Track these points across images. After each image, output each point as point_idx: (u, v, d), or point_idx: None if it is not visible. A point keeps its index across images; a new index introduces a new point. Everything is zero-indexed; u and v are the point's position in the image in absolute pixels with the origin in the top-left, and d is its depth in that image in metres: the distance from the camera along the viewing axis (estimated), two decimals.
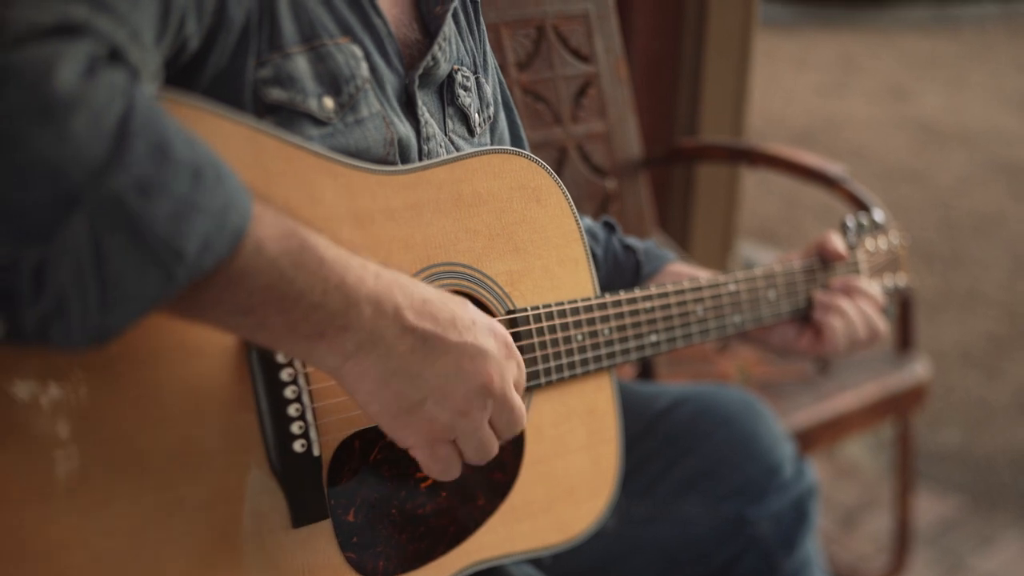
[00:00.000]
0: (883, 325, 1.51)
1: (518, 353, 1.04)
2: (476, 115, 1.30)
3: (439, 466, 1.01)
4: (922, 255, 4.70)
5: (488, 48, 1.41)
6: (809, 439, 2.00)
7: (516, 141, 1.47)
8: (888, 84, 7.94)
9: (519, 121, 1.49)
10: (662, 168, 2.59)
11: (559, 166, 2.25)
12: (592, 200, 2.30)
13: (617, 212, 2.33)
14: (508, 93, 1.47)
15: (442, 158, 1.13)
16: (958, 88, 7.94)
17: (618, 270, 1.51)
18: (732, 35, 2.63)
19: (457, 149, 1.25)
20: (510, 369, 1.02)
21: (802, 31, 9.55)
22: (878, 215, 1.64)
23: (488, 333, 1.00)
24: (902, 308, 2.20)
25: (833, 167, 2.19)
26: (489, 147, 1.21)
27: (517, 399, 1.02)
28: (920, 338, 2.23)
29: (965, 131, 6.69)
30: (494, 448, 1.03)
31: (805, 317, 1.52)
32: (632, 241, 1.55)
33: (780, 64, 8.13)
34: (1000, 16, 10.88)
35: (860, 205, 2.10)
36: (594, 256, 1.49)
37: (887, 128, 6.76)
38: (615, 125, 2.30)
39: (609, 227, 1.56)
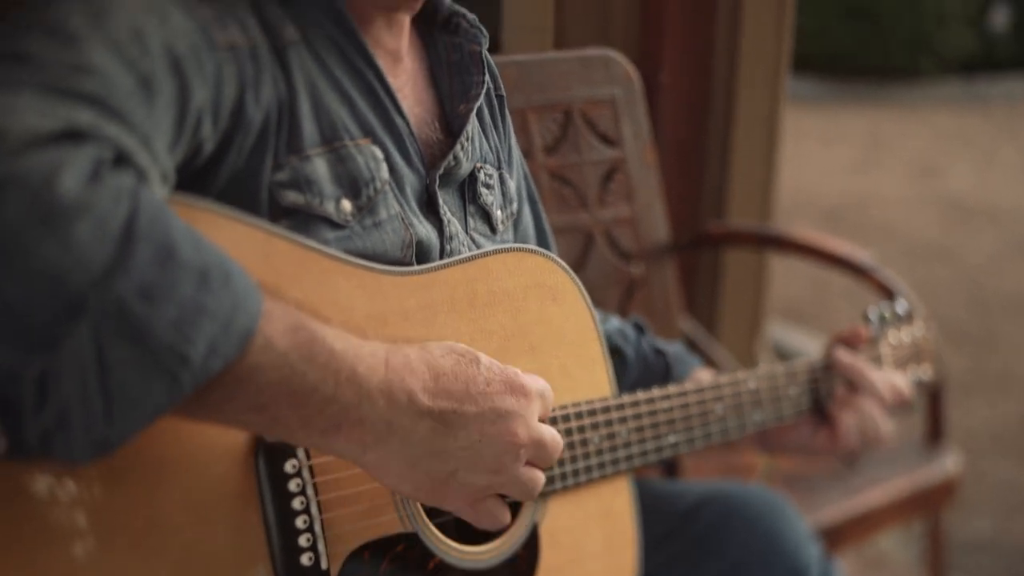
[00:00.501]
0: (885, 427, 1.48)
1: (535, 383, 1.03)
2: (499, 212, 1.29)
3: (488, 520, 1.01)
4: (953, 335, 4.64)
5: (513, 142, 1.40)
6: (838, 536, 1.95)
7: (540, 235, 1.45)
8: (917, 161, 7.92)
9: (543, 214, 1.47)
10: (689, 252, 2.56)
11: (585, 252, 2.23)
12: (618, 286, 2.28)
13: (644, 298, 2.30)
14: (533, 186, 1.46)
15: (456, 257, 1.11)
16: (987, 165, 7.91)
17: (648, 373, 1.49)
18: (760, 117, 2.62)
19: (478, 247, 1.23)
20: (533, 413, 1.01)
21: (830, 107, 9.56)
22: (902, 306, 1.61)
23: (504, 390, 0.99)
24: (932, 398, 2.16)
25: (862, 255, 2.16)
26: (504, 245, 1.20)
27: (547, 432, 1.02)
28: (950, 423, 2.19)
29: (995, 208, 6.65)
30: (540, 482, 1.03)
31: (821, 412, 1.49)
32: (662, 344, 1.53)
33: (808, 140, 8.12)
34: None
35: (889, 293, 2.07)
36: (624, 357, 1.47)
37: (916, 205, 6.73)
38: (642, 210, 2.29)
39: (639, 329, 1.54)
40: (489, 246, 1.22)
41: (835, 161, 7.81)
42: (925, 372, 1.62)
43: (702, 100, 2.57)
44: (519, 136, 2.15)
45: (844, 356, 1.50)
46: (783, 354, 3.37)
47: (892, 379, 1.50)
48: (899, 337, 1.58)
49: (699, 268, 2.60)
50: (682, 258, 2.48)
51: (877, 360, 1.55)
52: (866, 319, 1.55)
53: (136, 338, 0.77)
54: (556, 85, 2.17)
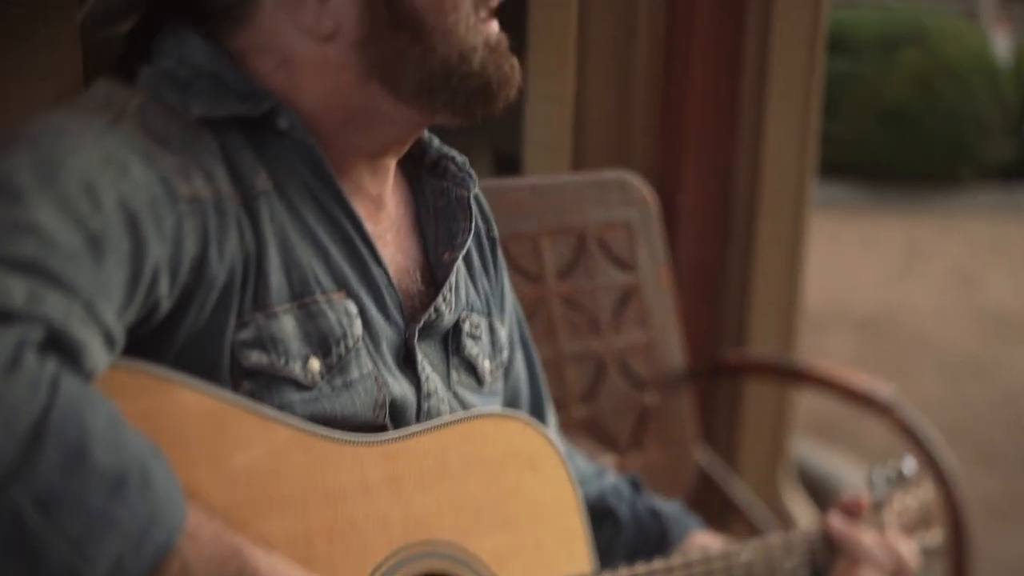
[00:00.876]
0: None
1: None
2: (486, 363, 1.23)
3: None
4: (987, 456, 4.51)
5: (507, 285, 1.34)
6: None
7: (533, 383, 1.39)
8: (954, 270, 7.83)
9: (535, 357, 1.40)
10: (707, 380, 2.49)
11: (597, 380, 2.16)
12: (632, 415, 2.21)
13: (658, 428, 2.23)
14: (526, 330, 1.39)
15: (429, 423, 1.05)
16: None
17: (642, 536, 1.41)
18: (783, 241, 2.58)
19: (463, 401, 1.17)
20: None
21: (868, 213, 9.50)
22: (908, 466, 1.52)
23: None
24: (956, 570, 2.04)
25: (883, 391, 2.08)
26: (482, 410, 1.14)
27: None
28: (980, 551, 2.07)
29: None
30: None
31: None
32: (659, 504, 1.45)
33: (845, 247, 8.06)
34: None
35: (909, 433, 1.99)
36: (617, 518, 1.39)
37: (953, 316, 6.62)
38: (657, 336, 2.22)
39: (635, 487, 1.46)
40: (466, 412, 1.15)
41: (871, 269, 7.73)
42: (934, 538, 1.52)
43: (722, 222, 2.52)
44: (532, 261, 2.11)
45: (839, 525, 1.41)
46: (810, 479, 3.26)
47: (895, 547, 1.40)
48: (905, 501, 1.49)
49: (717, 396, 2.53)
50: (699, 386, 2.41)
51: (881, 527, 1.46)
52: (870, 483, 1.47)
53: (28, 553, 0.71)
54: (570, 208, 2.13)
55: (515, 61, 1.13)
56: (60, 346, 0.78)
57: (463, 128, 1.15)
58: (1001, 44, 10.99)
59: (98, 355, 0.81)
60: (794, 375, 2.23)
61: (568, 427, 1.89)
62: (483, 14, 1.10)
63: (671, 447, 2.24)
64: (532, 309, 2.06)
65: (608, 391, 2.18)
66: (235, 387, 0.97)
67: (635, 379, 2.21)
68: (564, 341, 2.13)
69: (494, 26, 1.12)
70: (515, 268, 2.03)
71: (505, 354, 1.28)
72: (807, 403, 4.24)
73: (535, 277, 2.09)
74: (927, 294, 7.15)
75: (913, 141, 10.16)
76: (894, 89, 10.03)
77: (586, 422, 2.16)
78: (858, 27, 10.00)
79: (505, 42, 1.12)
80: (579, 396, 2.16)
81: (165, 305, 0.91)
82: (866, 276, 7.49)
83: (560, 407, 1.67)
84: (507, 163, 2.32)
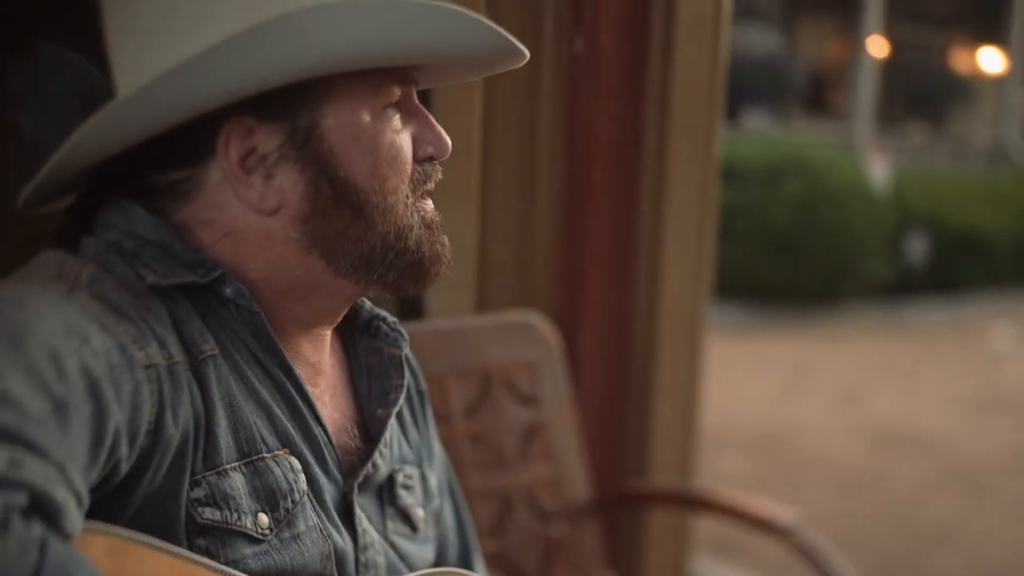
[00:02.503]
0: None
1: None
2: (419, 511, 1.29)
3: None
4: (881, 567, 4.62)
5: (433, 435, 1.41)
6: None
7: (460, 530, 1.45)
8: (842, 387, 8.05)
9: (462, 504, 1.47)
10: (611, 510, 2.56)
11: (505, 515, 2.21)
12: (538, 548, 2.26)
13: (566, 559, 2.28)
14: (454, 478, 1.46)
15: None
16: (910, 391, 8.05)
17: None
18: (680, 372, 2.67)
19: (398, 550, 1.23)
20: None
21: (755, 333, 9.74)
22: None
23: None
24: None
25: (783, 516, 2.17)
26: (427, 571, 1.19)
27: None
28: None
29: (919, 435, 6.74)
30: None
31: None
32: None
33: (736, 368, 8.23)
34: (946, 319, 11.17)
35: (811, 557, 2.07)
36: None
37: (843, 433, 6.80)
38: (562, 469, 2.29)
39: None
40: (412, 546, 1.21)
41: (762, 388, 7.90)
42: None
43: (622, 356, 2.61)
44: (439, 402, 2.17)
45: None
46: None
47: None
48: None
49: (621, 523, 2.59)
50: (605, 515, 2.47)
51: None
52: None
53: None
54: (476, 350, 2.21)
55: (446, 239, 1.19)
56: (42, 510, 0.81)
57: None
58: (877, 170, 11.46)
59: (75, 517, 0.85)
60: (697, 504, 2.30)
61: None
62: (420, 193, 1.16)
63: (579, 575, 2.29)
64: None
65: (516, 525, 2.24)
66: (190, 544, 1.01)
67: (542, 512, 2.27)
68: (471, 477, 2.19)
69: (429, 204, 1.18)
70: None
71: (437, 501, 1.34)
72: (705, 522, 4.32)
73: (443, 417, 2.15)
74: (816, 411, 7.33)
75: (797, 264, 10.49)
76: (778, 215, 10.39)
77: (495, 557, 2.20)
78: (744, 158, 10.37)
79: (438, 221, 1.19)
80: (487, 531, 2.20)
81: (124, 467, 0.95)
82: (757, 395, 7.66)
83: None
84: (410, 305, 2.37)
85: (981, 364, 9.10)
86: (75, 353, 0.91)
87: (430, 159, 1.17)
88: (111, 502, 0.96)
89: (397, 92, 1.14)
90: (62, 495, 0.84)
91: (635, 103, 2.55)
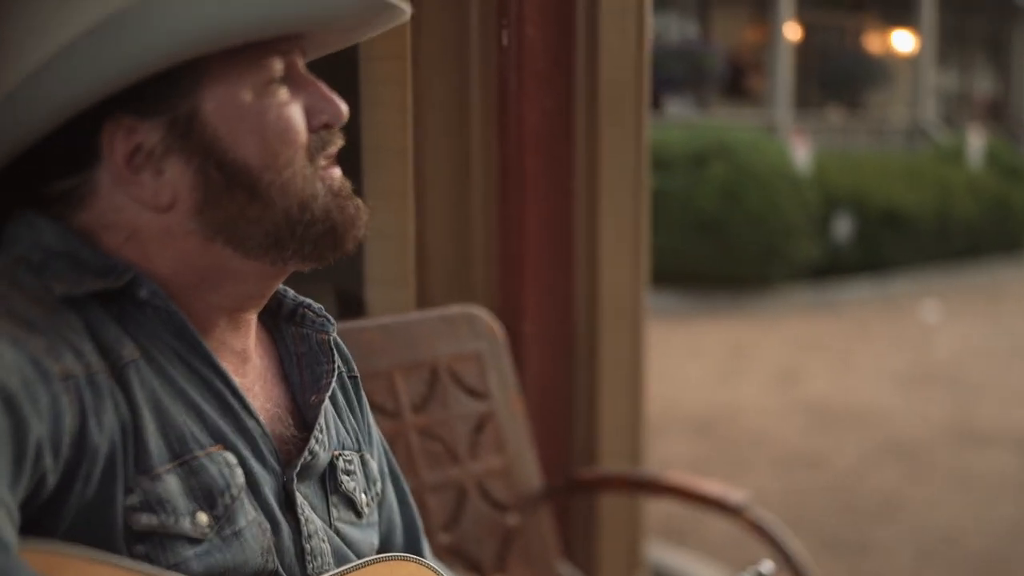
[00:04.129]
0: None
1: None
2: (362, 496, 1.28)
3: None
4: (826, 542, 4.69)
5: (371, 420, 1.40)
6: None
7: (405, 510, 1.44)
8: (777, 368, 8.16)
9: (405, 487, 1.46)
10: (564, 497, 2.57)
11: (460, 506, 2.22)
12: (495, 538, 2.27)
13: (521, 548, 2.29)
14: (394, 461, 1.45)
15: (330, 573, 1.09)
16: (844, 369, 8.19)
17: None
18: (623, 359, 2.70)
19: (344, 536, 1.22)
20: None
21: (692, 320, 9.84)
22: (766, 568, 1.61)
23: None
24: None
25: (734, 495, 2.20)
26: (375, 556, 1.18)
27: None
28: None
29: (856, 412, 6.85)
30: None
31: None
32: None
33: (674, 354, 8.31)
34: (875, 297, 11.37)
35: (763, 533, 2.10)
36: None
37: (781, 412, 6.90)
38: (514, 460, 2.30)
39: None
40: (362, 560, 1.20)
41: (700, 372, 7.99)
42: None
43: (566, 344, 2.63)
44: (387, 397, 2.17)
45: None
46: None
47: None
48: None
49: (574, 512, 2.61)
50: (557, 503, 2.49)
51: None
52: None
53: None
54: (421, 344, 2.21)
55: (359, 202, 1.17)
56: None
57: (303, 274, 1.19)
58: (799, 153, 11.63)
59: (8, 531, 0.84)
60: (649, 487, 2.33)
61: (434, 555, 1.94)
62: (321, 163, 1.15)
63: (534, 566, 2.30)
64: (391, 443, 2.07)
65: (470, 516, 2.24)
66: (129, 552, 0.99)
67: (495, 502, 2.28)
68: (424, 471, 2.19)
69: (335, 172, 1.17)
70: (372, 405, 2.06)
71: (379, 485, 1.34)
72: (653, 506, 4.36)
73: (392, 413, 2.15)
74: (754, 393, 7.43)
75: (726, 248, 10.62)
76: (704, 200, 10.50)
77: (450, 548, 2.21)
78: (669, 145, 10.47)
79: (348, 186, 1.17)
80: (442, 524, 2.21)
81: (51, 479, 0.93)
82: (695, 380, 7.74)
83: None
84: (350, 304, 2.36)
85: (911, 340, 9.27)
86: None
87: (326, 126, 1.16)
88: (43, 518, 0.94)
89: (279, 65, 1.13)
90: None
91: (564, 93, 2.57)
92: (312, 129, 1.15)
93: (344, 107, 1.17)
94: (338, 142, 1.18)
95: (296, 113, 1.14)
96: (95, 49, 1.02)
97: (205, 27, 1.04)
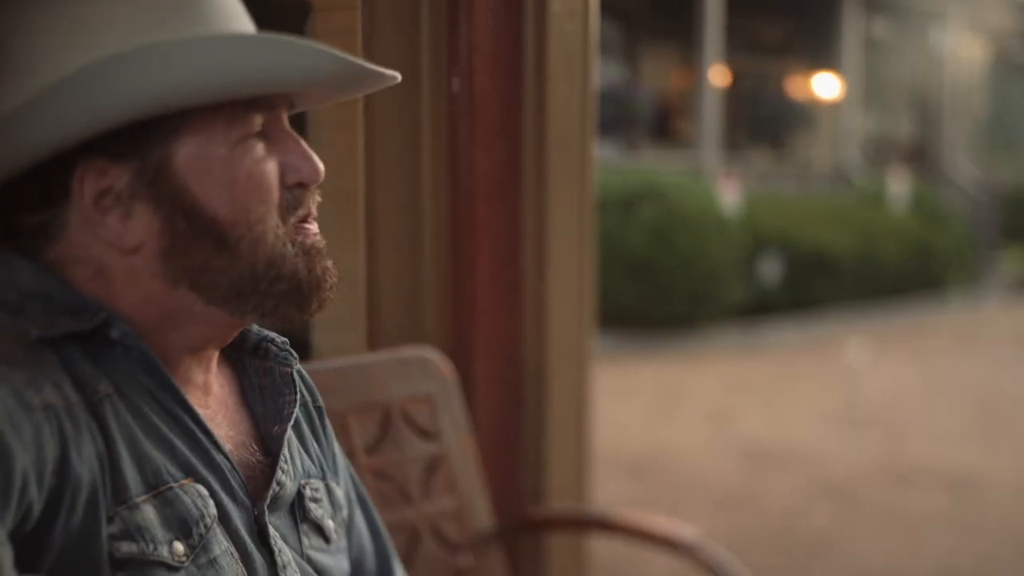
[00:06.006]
0: None
1: None
2: (330, 522, 1.31)
3: None
4: None
5: (336, 448, 1.43)
6: None
7: (375, 536, 1.48)
8: (709, 409, 8.24)
9: (375, 513, 1.49)
10: (514, 537, 2.59)
11: (412, 548, 2.23)
12: None
13: None
14: (362, 488, 1.49)
15: None
16: (775, 410, 8.29)
17: None
18: (570, 402, 2.73)
19: (315, 564, 1.25)
20: None
21: (620, 360, 9.89)
22: None
23: None
24: None
25: (686, 533, 2.23)
26: None
27: None
28: None
29: (788, 452, 6.94)
30: None
31: None
32: None
33: (604, 394, 8.35)
34: (802, 338, 11.53)
35: (715, 571, 2.13)
36: None
37: (714, 454, 6.97)
38: (465, 500, 2.32)
39: None
40: (328, 560, 1.23)
41: (633, 413, 8.04)
42: None
43: (515, 386, 2.65)
44: (340, 439, 2.17)
45: None
46: None
47: None
48: None
49: (522, 553, 2.63)
50: (508, 544, 2.51)
51: None
52: None
53: None
54: (374, 386, 2.22)
55: (329, 264, 1.19)
56: None
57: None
58: (728, 196, 11.80)
59: (9, 568, 0.86)
60: (601, 525, 2.35)
61: None
62: (294, 220, 1.17)
63: None
64: None
65: (423, 557, 2.25)
66: None
67: (448, 543, 2.29)
68: (378, 513, 2.20)
69: (311, 228, 1.19)
70: None
71: (345, 512, 1.37)
72: (598, 546, 4.39)
73: (346, 454, 2.16)
74: (686, 434, 7.49)
75: (655, 289, 10.74)
76: (635, 242, 10.62)
77: None
78: (598, 188, 10.56)
79: (321, 245, 1.19)
80: None
81: (36, 509, 0.95)
82: (627, 421, 7.78)
83: None
84: (298, 347, 2.38)
85: (839, 380, 9.41)
86: None
87: (300, 185, 1.18)
88: (29, 548, 0.95)
89: (258, 121, 1.15)
90: None
91: (513, 139, 2.61)
92: (286, 186, 1.16)
93: (320, 166, 1.19)
94: (314, 200, 1.20)
95: (270, 169, 1.15)
96: (73, 97, 1.04)
97: (182, 85, 1.07)
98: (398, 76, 1.21)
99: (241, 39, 1.09)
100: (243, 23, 1.18)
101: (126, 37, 1.08)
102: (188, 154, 1.11)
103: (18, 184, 1.09)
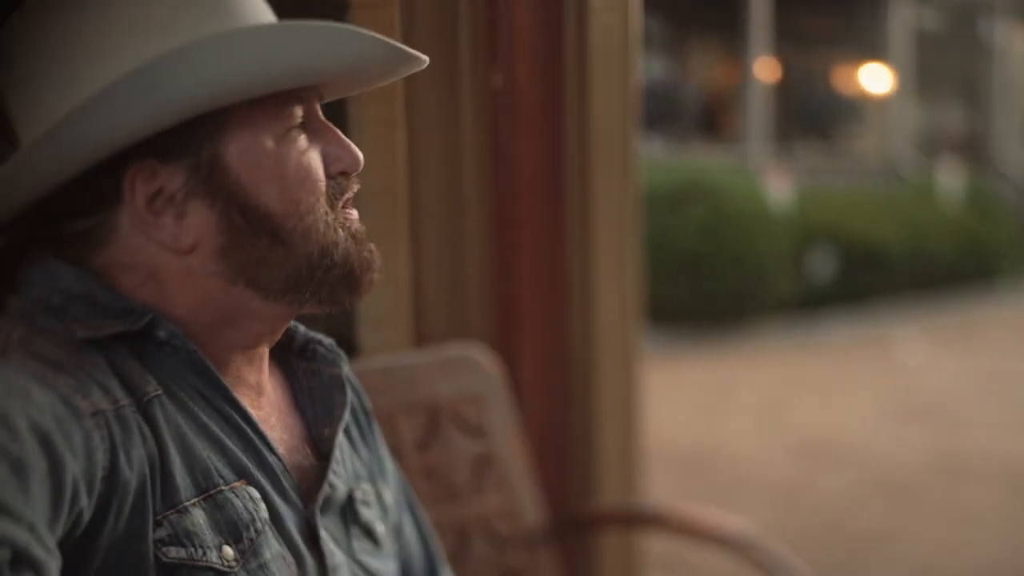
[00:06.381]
0: None
1: None
2: (380, 527, 1.30)
3: None
4: None
5: (384, 452, 1.43)
6: None
7: (424, 544, 1.47)
8: (762, 405, 8.17)
9: (423, 518, 1.48)
10: (565, 534, 2.58)
11: (462, 546, 2.22)
12: None
13: None
14: (411, 492, 1.48)
15: None
16: (827, 405, 8.20)
17: None
18: (618, 401, 2.71)
19: (365, 567, 1.24)
20: None
21: (670, 356, 9.83)
22: None
23: None
24: None
25: (739, 528, 2.19)
26: None
27: None
28: None
29: (842, 447, 6.87)
30: None
31: None
32: None
33: (655, 390, 8.32)
34: (854, 332, 11.41)
35: (772, 569, 2.10)
36: None
37: (768, 449, 6.90)
38: (515, 498, 2.30)
39: None
40: (377, 563, 1.22)
41: (684, 411, 7.99)
42: None
43: (562, 383, 2.64)
44: (389, 438, 2.17)
45: None
46: None
47: None
48: None
49: (573, 550, 2.61)
50: (558, 541, 2.49)
51: None
52: None
53: None
54: (422, 385, 2.21)
55: (373, 246, 1.20)
56: (25, 566, 0.81)
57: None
58: (777, 191, 11.70)
59: (54, 573, 0.85)
60: (654, 521, 2.33)
61: None
62: (340, 206, 1.17)
63: None
64: None
65: (474, 556, 2.24)
66: None
67: (498, 542, 2.28)
68: (427, 512, 2.18)
69: (353, 214, 1.20)
70: None
71: (394, 516, 1.36)
72: (648, 543, 4.36)
73: (394, 453, 2.14)
74: (740, 430, 7.43)
75: (705, 286, 10.66)
76: (683, 240, 10.55)
77: None
78: (646, 185, 10.51)
79: (363, 229, 1.20)
80: None
81: (86, 516, 0.95)
82: (680, 418, 7.74)
83: None
84: (343, 345, 2.38)
85: (891, 374, 9.30)
86: (21, 412, 0.91)
87: (343, 173, 1.19)
88: (77, 552, 0.95)
89: (299, 113, 1.15)
90: (39, 553, 0.84)
91: (555, 133, 2.59)
92: (329, 176, 1.17)
93: (359, 155, 1.20)
94: (354, 187, 1.20)
95: (315, 160, 1.16)
96: (127, 98, 1.03)
97: (236, 79, 1.06)
98: (427, 59, 1.21)
99: (292, 27, 1.09)
100: (270, 18, 1.19)
101: (167, 38, 1.08)
102: (238, 149, 1.11)
103: (67, 191, 1.09)
